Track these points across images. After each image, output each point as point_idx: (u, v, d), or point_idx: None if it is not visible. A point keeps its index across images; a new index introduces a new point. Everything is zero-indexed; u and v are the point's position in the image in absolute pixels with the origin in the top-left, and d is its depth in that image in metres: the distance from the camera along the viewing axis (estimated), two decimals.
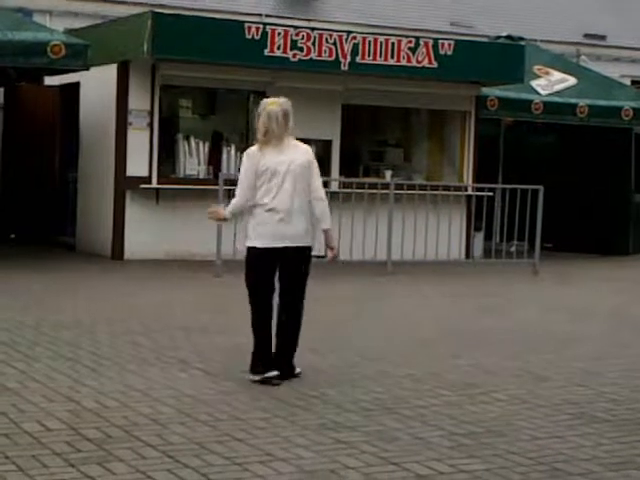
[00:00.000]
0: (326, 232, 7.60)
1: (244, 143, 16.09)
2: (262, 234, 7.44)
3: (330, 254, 7.66)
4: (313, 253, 7.63)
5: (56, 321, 9.62)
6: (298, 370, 7.62)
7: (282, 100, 7.54)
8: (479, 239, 17.52)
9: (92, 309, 10.52)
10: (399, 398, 7.07)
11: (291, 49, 14.92)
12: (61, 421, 6.10)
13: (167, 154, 15.53)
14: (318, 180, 7.56)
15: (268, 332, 7.51)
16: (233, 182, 14.12)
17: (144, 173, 15.10)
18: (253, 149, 7.60)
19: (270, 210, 7.40)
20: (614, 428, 6.52)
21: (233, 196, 7.53)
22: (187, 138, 15.68)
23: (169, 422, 6.19)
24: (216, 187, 13.95)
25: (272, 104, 7.47)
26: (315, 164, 7.56)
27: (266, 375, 7.36)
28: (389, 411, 6.70)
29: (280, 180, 7.40)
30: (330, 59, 15.17)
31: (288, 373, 7.50)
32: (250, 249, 7.50)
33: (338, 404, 6.81)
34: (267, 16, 30.61)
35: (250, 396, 6.93)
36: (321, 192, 7.53)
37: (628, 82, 29.15)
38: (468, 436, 6.18)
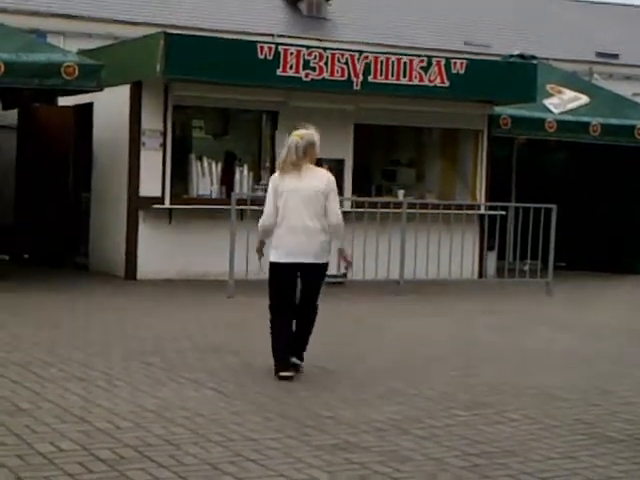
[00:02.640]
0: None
1: (257, 163, 16.20)
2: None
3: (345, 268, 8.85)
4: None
5: (69, 341, 9.63)
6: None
7: (307, 132, 8.23)
8: (492, 258, 17.49)
9: (105, 329, 10.53)
10: (412, 418, 7.05)
11: (303, 69, 14.96)
12: (74, 442, 6.09)
13: (180, 174, 15.55)
14: (334, 207, 8.23)
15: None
16: (245, 202, 14.34)
17: (157, 193, 15.13)
18: (275, 175, 8.44)
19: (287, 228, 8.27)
20: (628, 448, 6.48)
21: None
22: (200, 158, 15.71)
23: (182, 443, 6.18)
24: (229, 207, 13.97)
25: (296, 135, 8.20)
26: (333, 192, 8.24)
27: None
28: (402, 431, 6.67)
29: (293, 202, 8.19)
30: (342, 79, 15.20)
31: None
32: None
33: (351, 424, 6.79)
34: (279, 36, 30.76)
35: (263, 416, 6.91)
36: (333, 219, 8.20)
37: None
38: (482, 456, 6.15)
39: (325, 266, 8.35)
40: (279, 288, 8.33)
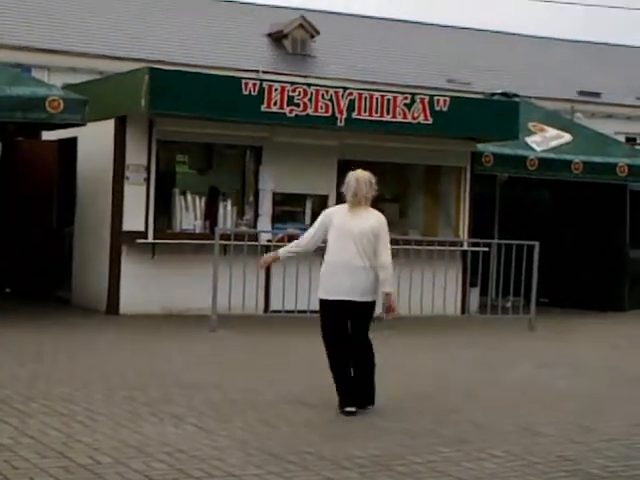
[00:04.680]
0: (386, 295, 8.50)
1: (240, 198, 16.22)
2: None
3: (387, 315, 8.58)
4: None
5: (50, 376, 9.58)
6: None
7: (367, 172, 8.70)
8: (475, 294, 17.51)
9: (86, 364, 10.48)
10: (394, 454, 7.03)
11: (288, 105, 15.01)
12: (54, 477, 6.05)
13: (163, 209, 15.55)
14: (384, 247, 8.45)
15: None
16: (229, 237, 14.34)
17: (140, 228, 15.11)
18: (337, 207, 8.80)
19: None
20: None
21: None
22: (184, 193, 15.72)
23: (162, 478, 6.15)
24: (212, 242, 13.98)
25: (361, 172, 8.66)
26: (384, 232, 8.56)
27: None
28: (385, 468, 6.65)
29: (345, 239, 8.41)
30: (326, 115, 15.25)
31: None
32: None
33: (333, 460, 6.77)
34: (264, 72, 30.93)
35: (244, 452, 6.88)
36: (383, 259, 8.41)
37: (622, 139, 29.40)
38: None
39: (372, 305, 8.50)
40: (327, 325, 8.45)
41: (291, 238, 15.23)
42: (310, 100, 15.13)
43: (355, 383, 8.49)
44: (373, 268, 8.40)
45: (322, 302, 8.50)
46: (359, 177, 8.56)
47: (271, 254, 9.10)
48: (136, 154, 15.17)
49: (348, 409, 8.28)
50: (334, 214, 8.65)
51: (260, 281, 14.78)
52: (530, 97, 25.20)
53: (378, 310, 8.65)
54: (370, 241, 8.41)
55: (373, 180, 8.63)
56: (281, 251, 8.93)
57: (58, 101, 13.82)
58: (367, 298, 8.45)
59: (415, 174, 18.16)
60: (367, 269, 8.39)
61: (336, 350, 8.44)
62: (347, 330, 8.49)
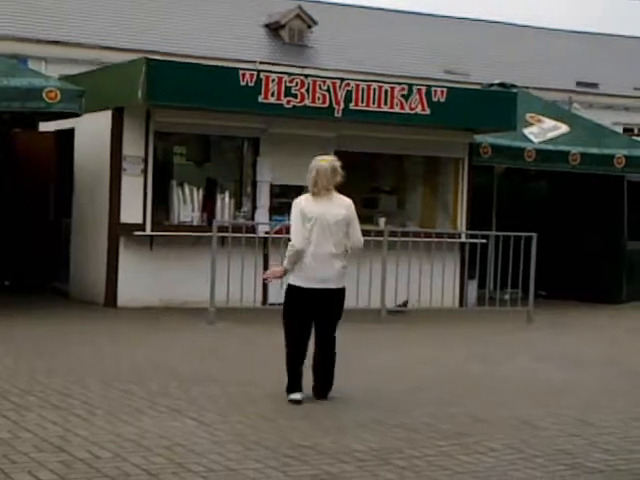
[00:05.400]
0: None
1: (238, 190, 16.19)
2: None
3: None
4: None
5: (48, 369, 9.57)
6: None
7: (331, 158, 8.87)
8: (473, 286, 17.49)
9: (84, 357, 10.47)
10: (393, 448, 7.02)
11: (285, 96, 14.98)
12: (52, 472, 6.04)
13: (161, 201, 15.52)
14: (356, 230, 8.71)
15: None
16: (227, 229, 14.33)
17: (138, 220, 15.08)
18: (302, 197, 8.75)
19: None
20: (608, 479, 6.48)
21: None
22: (181, 185, 15.69)
23: (161, 472, 6.14)
24: (210, 234, 13.96)
25: (322, 161, 8.73)
26: (354, 217, 8.73)
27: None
28: (383, 462, 6.65)
29: (322, 228, 8.50)
30: (324, 106, 15.23)
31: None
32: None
33: (332, 454, 6.76)
34: (261, 63, 30.87)
35: (243, 446, 6.88)
36: (357, 241, 8.73)
37: (620, 129, 29.39)
38: None
39: (344, 291, 8.70)
40: (300, 312, 8.56)
41: (289, 230, 15.27)
42: (307, 91, 15.10)
43: (319, 371, 8.67)
44: (343, 254, 8.63)
45: (298, 290, 8.53)
46: (319, 168, 8.65)
47: (279, 269, 8.81)
48: (133, 145, 15.13)
49: (294, 397, 8.42)
50: (304, 204, 8.68)
51: (258, 273, 14.76)
52: (528, 88, 25.19)
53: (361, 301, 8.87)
54: (343, 230, 8.61)
55: (337, 166, 8.71)
56: (286, 264, 8.67)
57: (55, 92, 13.78)
58: (342, 284, 8.67)
59: (413, 165, 18.13)
60: (340, 256, 8.60)
61: (303, 337, 8.61)
62: (312, 320, 8.62)
